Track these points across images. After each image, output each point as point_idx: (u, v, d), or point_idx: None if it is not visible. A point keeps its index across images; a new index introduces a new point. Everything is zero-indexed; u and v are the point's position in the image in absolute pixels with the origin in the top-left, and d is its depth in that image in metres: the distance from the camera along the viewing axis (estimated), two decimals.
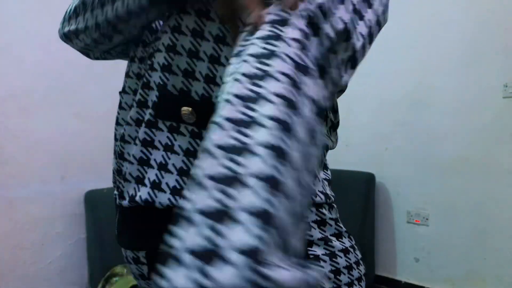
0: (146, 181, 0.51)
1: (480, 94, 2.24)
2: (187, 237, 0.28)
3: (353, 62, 0.42)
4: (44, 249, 1.81)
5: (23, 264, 1.75)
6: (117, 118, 0.60)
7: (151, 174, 0.51)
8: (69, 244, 1.89)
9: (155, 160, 0.52)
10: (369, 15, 0.43)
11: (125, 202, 0.53)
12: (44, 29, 1.78)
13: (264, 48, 0.37)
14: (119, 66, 2.25)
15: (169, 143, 0.51)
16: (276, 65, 0.35)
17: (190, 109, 0.50)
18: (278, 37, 0.37)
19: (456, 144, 2.34)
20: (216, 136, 0.32)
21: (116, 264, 1.78)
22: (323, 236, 0.54)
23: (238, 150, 0.31)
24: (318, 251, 0.52)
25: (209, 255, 0.27)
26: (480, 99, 2.24)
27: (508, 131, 2.17)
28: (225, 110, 0.33)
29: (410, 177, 2.51)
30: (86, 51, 0.67)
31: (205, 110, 0.50)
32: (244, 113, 0.32)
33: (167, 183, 0.50)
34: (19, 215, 1.74)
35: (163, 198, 0.50)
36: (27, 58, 1.73)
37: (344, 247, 0.55)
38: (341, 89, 0.58)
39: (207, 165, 0.30)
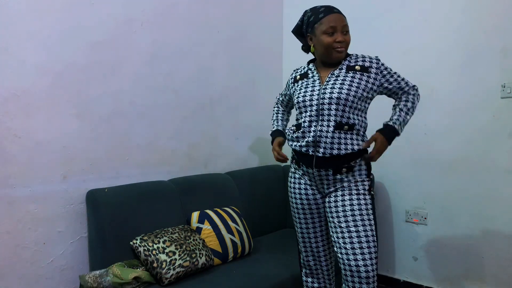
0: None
1: (478, 95, 2.25)
2: None
3: None
4: (45, 248, 1.82)
5: (25, 263, 1.76)
6: None
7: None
8: (71, 243, 1.91)
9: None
10: None
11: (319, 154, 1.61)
12: (45, 29, 1.79)
13: None
14: (120, 67, 2.26)
15: None
16: None
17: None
18: None
19: (455, 144, 2.35)
20: None
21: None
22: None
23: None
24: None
25: None
26: (478, 99, 2.25)
27: (506, 131, 2.18)
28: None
29: (409, 176, 2.53)
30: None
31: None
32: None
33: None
34: (21, 214, 1.75)
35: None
36: (28, 58, 1.74)
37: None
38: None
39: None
